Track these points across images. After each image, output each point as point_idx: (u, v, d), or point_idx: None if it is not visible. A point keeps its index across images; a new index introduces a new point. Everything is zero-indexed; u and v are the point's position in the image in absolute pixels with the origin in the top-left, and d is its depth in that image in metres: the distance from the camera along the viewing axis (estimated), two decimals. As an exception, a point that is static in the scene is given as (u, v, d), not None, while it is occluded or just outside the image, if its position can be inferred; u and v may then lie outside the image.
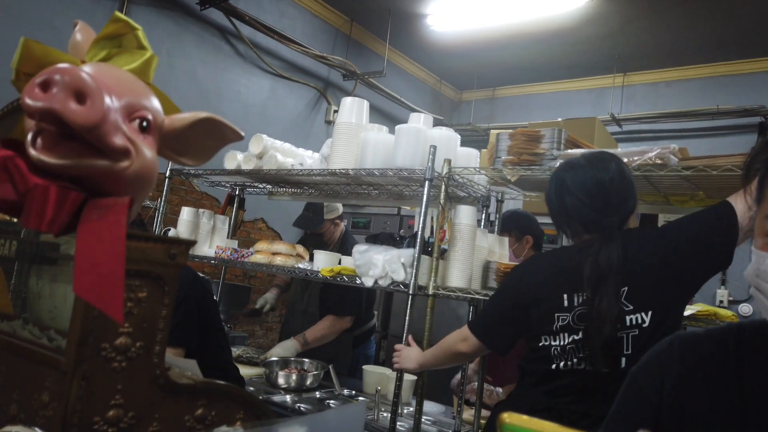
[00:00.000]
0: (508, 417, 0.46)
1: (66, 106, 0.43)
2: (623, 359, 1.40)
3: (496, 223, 2.50)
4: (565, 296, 1.48)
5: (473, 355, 1.76)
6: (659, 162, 1.70)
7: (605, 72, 5.29)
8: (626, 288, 1.41)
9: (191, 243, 0.57)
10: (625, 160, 1.77)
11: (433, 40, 5.15)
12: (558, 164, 1.69)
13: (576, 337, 1.45)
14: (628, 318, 1.40)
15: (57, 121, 0.44)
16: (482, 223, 2.49)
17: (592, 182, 1.48)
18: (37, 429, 0.48)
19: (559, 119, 3.74)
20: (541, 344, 1.51)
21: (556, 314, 1.49)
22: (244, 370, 2.33)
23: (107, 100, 0.45)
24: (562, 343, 1.48)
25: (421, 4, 4.60)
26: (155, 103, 0.54)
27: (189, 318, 1.82)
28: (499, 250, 2.37)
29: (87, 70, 0.47)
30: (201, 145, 0.58)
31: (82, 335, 0.49)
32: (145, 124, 0.51)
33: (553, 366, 1.49)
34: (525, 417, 0.46)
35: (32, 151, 0.44)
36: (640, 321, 1.39)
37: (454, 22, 4.70)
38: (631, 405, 0.84)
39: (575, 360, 1.45)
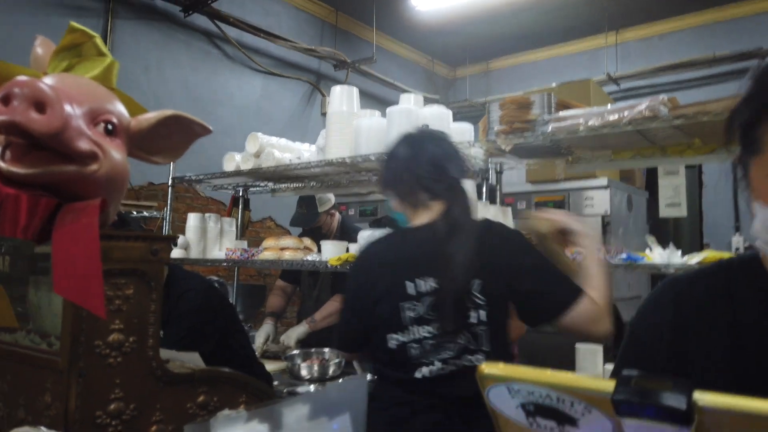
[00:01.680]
0: (486, 367, 0.47)
1: (27, 117, 0.44)
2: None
3: (497, 194, 2.51)
4: (409, 283, 1.37)
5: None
6: (650, 115, 1.69)
7: (597, 32, 5.23)
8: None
9: (172, 238, 0.59)
10: (616, 116, 1.76)
11: (420, 21, 5.11)
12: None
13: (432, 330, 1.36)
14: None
15: (21, 132, 0.45)
16: (484, 196, 2.49)
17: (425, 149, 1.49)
18: (43, 428, 0.50)
19: (554, 84, 3.72)
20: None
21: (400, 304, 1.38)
22: (270, 366, 2.36)
23: (67, 107, 0.47)
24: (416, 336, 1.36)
25: (404, -15, 4.57)
26: (119, 106, 0.55)
27: (201, 326, 1.85)
28: (504, 220, 2.37)
29: (46, 81, 0.49)
30: (170, 143, 0.60)
31: (73, 335, 0.51)
32: (110, 127, 0.52)
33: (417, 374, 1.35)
34: (501, 365, 0.47)
35: (1, 164, 0.46)
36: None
37: (438, 0, 4.67)
38: (631, 354, 0.85)
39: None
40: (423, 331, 1.36)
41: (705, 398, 0.37)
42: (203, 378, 0.60)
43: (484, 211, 2.25)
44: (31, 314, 0.66)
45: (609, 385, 0.40)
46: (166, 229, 3.09)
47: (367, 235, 2.26)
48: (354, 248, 2.41)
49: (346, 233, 3.01)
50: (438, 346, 1.36)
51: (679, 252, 1.86)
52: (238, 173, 2.78)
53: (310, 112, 4.95)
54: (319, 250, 2.59)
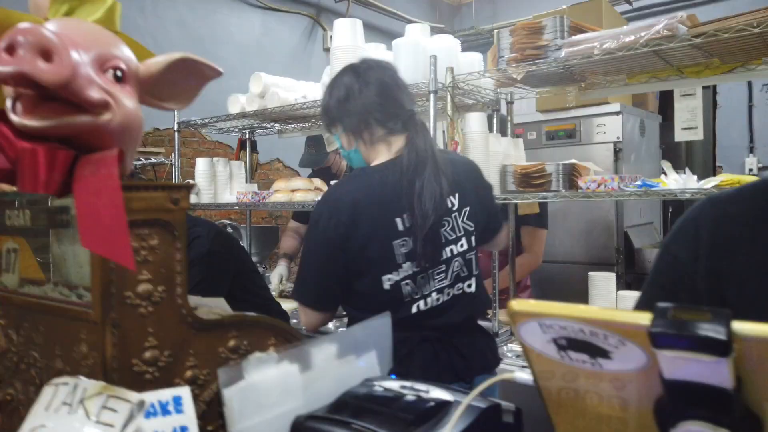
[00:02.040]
0: (517, 304, 0.47)
1: (34, 66, 0.42)
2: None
3: (509, 126, 2.46)
4: (398, 220, 1.36)
5: (323, 324, 1.51)
6: (668, 34, 1.62)
7: (609, -53, 4.95)
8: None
9: (191, 186, 0.58)
10: (633, 37, 1.69)
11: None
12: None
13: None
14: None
15: (30, 83, 0.44)
16: (495, 128, 2.45)
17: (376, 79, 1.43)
18: (81, 377, 0.51)
19: (564, 6, 3.56)
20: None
21: (393, 242, 1.35)
22: (285, 305, 2.42)
23: (74, 54, 0.45)
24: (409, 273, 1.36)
25: None
26: (126, 51, 0.53)
27: (212, 272, 1.88)
28: (515, 152, 2.34)
29: (50, 27, 0.47)
30: (181, 87, 0.58)
31: (103, 287, 0.52)
32: (119, 73, 0.50)
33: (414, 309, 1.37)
34: (533, 301, 0.47)
35: (14, 117, 0.44)
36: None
37: None
38: (665, 274, 0.84)
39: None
40: (414, 266, 1.36)
41: (744, 328, 0.37)
42: (232, 323, 0.61)
43: (495, 143, 2.21)
44: (55, 266, 0.66)
45: (645, 318, 0.40)
46: (175, 175, 3.09)
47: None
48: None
49: (356, 172, 3.00)
50: (429, 278, 1.38)
51: (695, 177, 1.83)
52: (243, 115, 2.73)
53: (312, 48, 4.82)
54: (330, 190, 2.59)
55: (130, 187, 0.53)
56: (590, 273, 2.27)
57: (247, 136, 3.28)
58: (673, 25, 1.61)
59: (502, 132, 2.42)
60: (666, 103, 3.87)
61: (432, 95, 2.05)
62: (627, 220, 3.48)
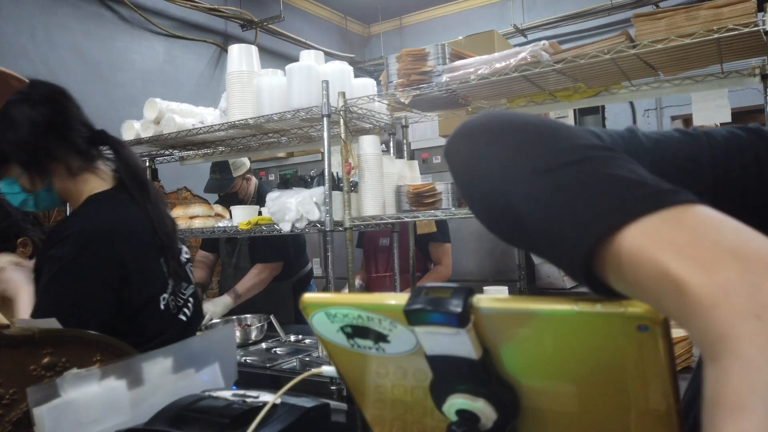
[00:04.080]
0: (307, 298, 0.50)
1: None
2: None
3: (405, 148, 2.55)
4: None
5: None
6: (533, 60, 1.75)
7: (504, -17, 5.30)
8: None
9: None
10: (503, 63, 1.82)
11: (328, -24, 4.99)
12: None
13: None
14: None
15: None
16: (392, 151, 2.53)
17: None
18: None
19: (460, 38, 3.75)
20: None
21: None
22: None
23: None
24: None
25: (307, -61, 4.42)
26: None
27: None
28: (411, 173, 2.42)
29: None
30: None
31: None
32: None
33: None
34: (320, 294, 0.50)
35: None
36: None
37: (344, -47, 4.56)
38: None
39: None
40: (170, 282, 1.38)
41: (480, 300, 0.41)
42: (46, 339, 0.60)
43: (390, 164, 2.28)
44: None
45: (404, 299, 0.44)
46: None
47: (275, 197, 2.25)
48: (266, 212, 2.39)
49: (263, 198, 2.97)
50: (179, 287, 1.40)
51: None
52: (138, 142, 2.66)
53: (220, 76, 4.77)
54: (231, 217, 2.56)
55: None
56: (485, 287, 2.36)
57: (147, 164, 3.19)
58: (536, 52, 1.75)
59: (399, 154, 2.50)
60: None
61: (325, 119, 2.10)
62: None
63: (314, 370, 0.55)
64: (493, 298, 0.42)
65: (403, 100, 2.08)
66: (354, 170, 2.14)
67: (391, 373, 0.51)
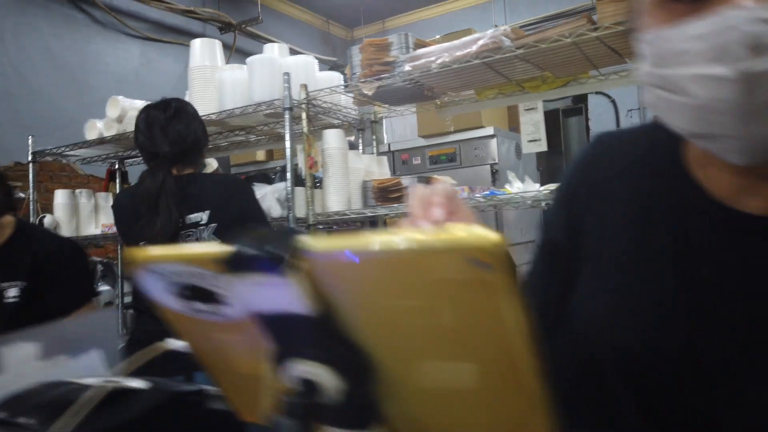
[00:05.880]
0: (135, 255, 0.42)
1: None
2: None
3: (374, 144, 2.48)
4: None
5: None
6: (494, 45, 1.69)
7: (486, -15, 5.28)
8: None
9: None
10: (465, 51, 1.76)
11: (307, -22, 4.95)
12: None
13: None
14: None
15: None
16: (360, 147, 2.46)
17: (151, 119, 1.64)
18: None
19: (437, 36, 3.71)
20: None
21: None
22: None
23: None
24: None
25: (285, -60, 4.38)
26: None
27: None
28: (379, 170, 2.35)
29: None
30: None
31: None
32: None
33: None
34: (151, 251, 0.42)
35: None
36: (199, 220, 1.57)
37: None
38: (543, 236, 0.70)
39: None
40: None
41: (310, 243, 0.34)
42: None
43: (356, 159, 2.22)
44: None
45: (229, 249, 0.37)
46: (32, 210, 2.86)
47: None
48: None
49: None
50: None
51: (537, 185, 1.91)
52: (101, 141, 2.59)
53: (198, 79, 4.71)
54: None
55: None
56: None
57: (117, 166, 3.11)
58: (497, 37, 1.69)
59: (368, 150, 2.43)
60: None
61: (287, 112, 2.03)
62: (507, 239, 3.58)
63: (157, 345, 0.48)
64: (327, 238, 0.35)
65: (366, 92, 2.02)
66: (317, 165, 2.07)
67: (239, 341, 0.44)
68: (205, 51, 2.32)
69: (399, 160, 3.99)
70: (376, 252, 0.32)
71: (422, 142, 3.91)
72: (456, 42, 1.79)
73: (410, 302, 0.34)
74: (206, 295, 0.41)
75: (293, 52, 5.21)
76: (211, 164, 2.89)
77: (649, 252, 0.56)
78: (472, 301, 0.32)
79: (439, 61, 1.78)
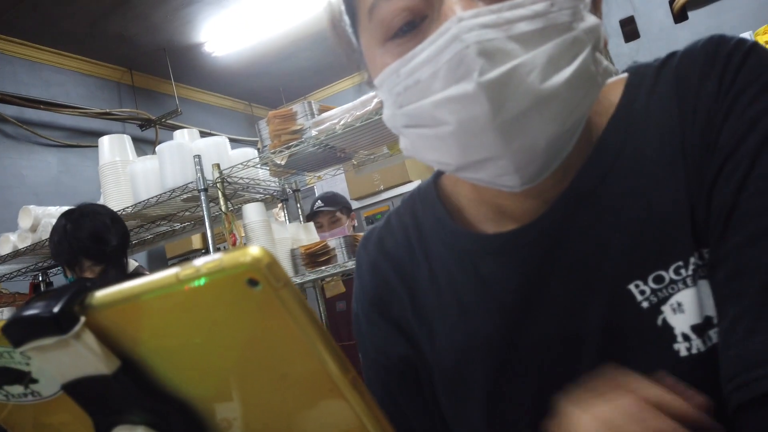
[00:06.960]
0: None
1: None
2: None
3: (299, 212, 2.48)
4: None
5: None
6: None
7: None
8: None
9: None
10: (364, 109, 1.82)
11: (222, 66, 5.06)
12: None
13: None
14: None
15: None
16: (285, 217, 2.46)
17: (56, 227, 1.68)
18: None
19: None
20: None
21: None
22: None
23: None
24: None
25: (193, 35, 4.50)
26: None
27: None
28: (307, 236, 2.34)
29: None
30: None
31: None
32: None
33: None
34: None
35: None
36: None
37: (232, 43, 4.66)
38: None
39: None
40: None
41: (93, 295, 0.32)
42: None
43: (280, 230, 2.20)
44: None
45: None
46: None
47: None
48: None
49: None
50: None
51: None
52: (16, 254, 2.48)
53: (123, 178, 4.65)
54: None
55: None
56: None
57: (40, 278, 2.98)
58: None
59: (292, 219, 2.42)
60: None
61: (202, 194, 2.02)
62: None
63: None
64: (111, 288, 0.33)
65: (279, 161, 2.04)
66: (240, 242, 2.04)
67: (69, 422, 0.40)
68: (114, 147, 2.30)
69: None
70: (151, 294, 0.31)
71: (356, 204, 3.95)
72: (355, 102, 1.85)
73: (201, 338, 0.32)
74: (12, 376, 0.38)
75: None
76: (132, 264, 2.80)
77: (442, 307, 0.55)
78: (255, 323, 0.30)
79: (342, 122, 1.82)
